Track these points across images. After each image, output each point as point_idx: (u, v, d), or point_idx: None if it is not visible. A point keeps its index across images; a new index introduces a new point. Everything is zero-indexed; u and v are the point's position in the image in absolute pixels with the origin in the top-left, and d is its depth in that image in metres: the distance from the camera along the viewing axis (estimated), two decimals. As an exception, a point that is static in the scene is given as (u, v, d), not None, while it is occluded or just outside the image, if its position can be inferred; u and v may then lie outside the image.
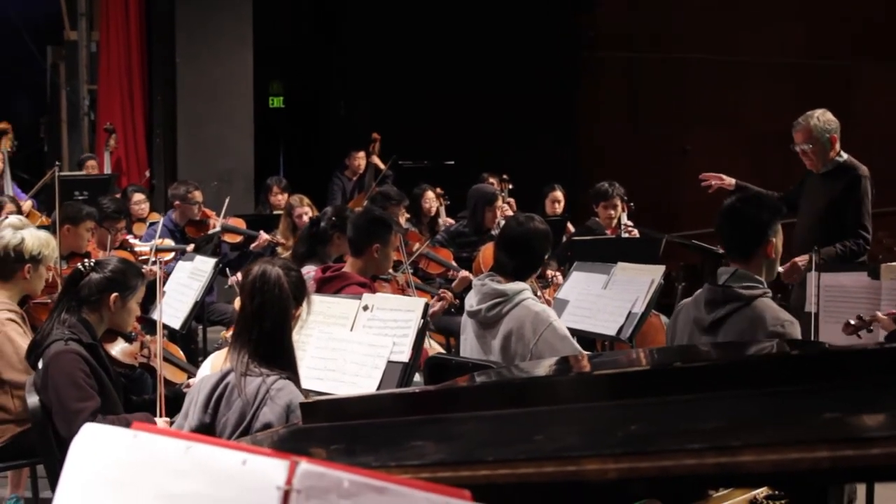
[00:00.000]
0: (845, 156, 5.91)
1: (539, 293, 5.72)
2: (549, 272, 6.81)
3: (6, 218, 5.55)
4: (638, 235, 7.77)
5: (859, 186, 5.82)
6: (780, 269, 4.32)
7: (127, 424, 3.61)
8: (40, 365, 3.96)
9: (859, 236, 5.78)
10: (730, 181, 6.17)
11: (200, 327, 6.64)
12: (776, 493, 2.62)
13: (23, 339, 4.51)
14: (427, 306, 4.00)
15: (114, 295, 4.07)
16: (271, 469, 1.32)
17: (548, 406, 2.13)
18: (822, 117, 5.86)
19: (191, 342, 6.86)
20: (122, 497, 1.43)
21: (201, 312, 6.23)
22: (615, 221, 7.83)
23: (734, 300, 3.77)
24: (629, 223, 7.86)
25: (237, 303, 3.47)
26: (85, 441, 1.51)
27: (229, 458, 1.36)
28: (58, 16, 12.01)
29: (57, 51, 12.39)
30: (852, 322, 4.24)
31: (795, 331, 3.74)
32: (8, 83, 12.40)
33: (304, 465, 1.30)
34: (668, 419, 1.87)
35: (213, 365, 3.57)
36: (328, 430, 2.42)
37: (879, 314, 4.24)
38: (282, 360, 3.26)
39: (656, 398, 2.00)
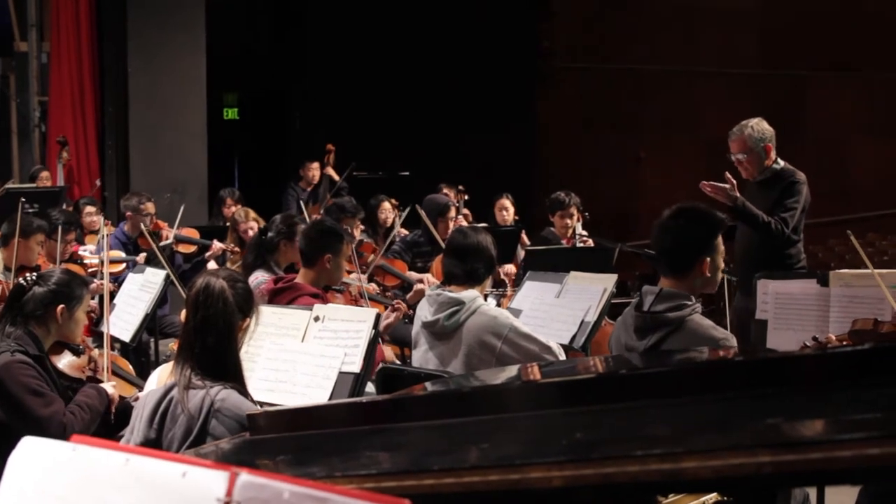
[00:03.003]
0: (782, 163, 5.98)
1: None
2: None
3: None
4: (593, 245, 7.80)
5: (793, 189, 5.87)
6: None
7: (87, 409, 3.58)
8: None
9: (781, 221, 5.78)
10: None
11: (152, 340, 6.58)
12: (725, 499, 2.63)
13: (-31, 355, 4.45)
14: (378, 317, 3.99)
15: (60, 307, 4.04)
16: (211, 481, 1.30)
17: (495, 415, 2.13)
18: (757, 127, 5.93)
19: (142, 355, 6.80)
20: (60, 511, 1.41)
21: (153, 325, 6.17)
22: (571, 231, 7.87)
23: (663, 326, 3.62)
24: (584, 233, 7.89)
25: (183, 314, 3.43)
26: (23, 455, 1.49)
27: (169, 471, 1.35)
28: (7, 26, 11.87)
29: (6, 62, 12.24)
30: (808, 344, 4.19)
31: (732, 345, 3.61)
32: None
33: (245, 477, 1.29)
34: (612, 426, 1.87)
35: (160, 378, 3.53)
36: (275, 441, 2.40)
37: (833, 337, 4.18)
38: (227, 374, 3.20)
39: (601, 406, 2.00)
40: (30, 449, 1.49)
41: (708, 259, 3.67)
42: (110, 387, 4.11)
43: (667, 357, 3.28)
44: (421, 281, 6.83)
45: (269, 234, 5.93)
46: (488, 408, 2.18)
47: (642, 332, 3.67)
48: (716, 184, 5.78)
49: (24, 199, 6.62)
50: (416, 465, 1.81)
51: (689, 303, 3.63)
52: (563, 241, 7.82)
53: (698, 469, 1.53)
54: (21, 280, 4.12)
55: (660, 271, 3.79)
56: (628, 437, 1.78)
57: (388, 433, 2.18)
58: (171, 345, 5.71)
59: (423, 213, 7.98)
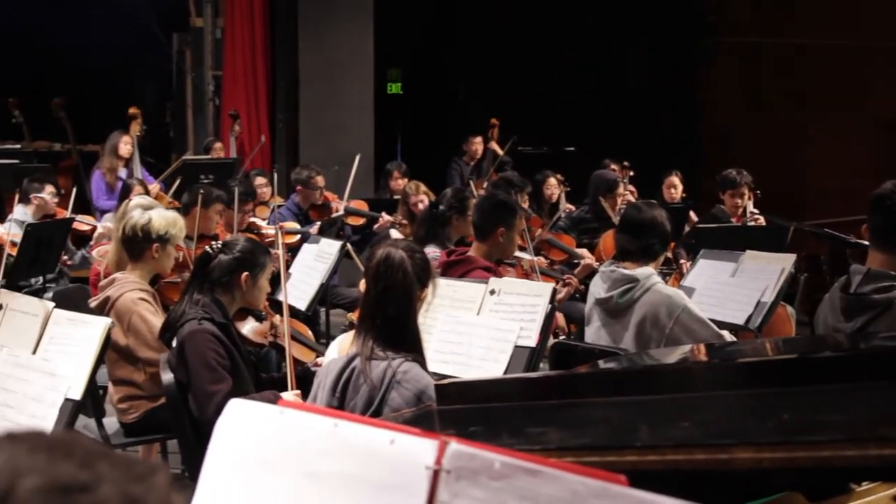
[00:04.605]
0: None
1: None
2: (682, 262, 6.72)
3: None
4: (764, 223, 7.60)
5: None
6: None
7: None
8: (174, 343, 4.04)
9: None
10: None
11: (323, 310, 6.71)
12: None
13: (155, 318, 4.60)
14: (555, 291, 3.97)
15: (244, 274, 4.11)
16: (420, 449, 1.30)
17: (685, 393, 2.08)
18: None
19: (314, 324, 6.94)
20: (269, 475, 1.43)
21: (324, 295, 6.29)
22: (741, 210, 7.69)
23: (869, 308, 3.43)
24: (755, 211, 7.70)
25: (362, 285, 3.47)
26: (231, 418, 1.52)
27: (377, 437, 1.35)
28: (184, 3, 12.25)
29: (183, 37, 12.62)
30: None
31: None
32: (135, 69, 12.68)
33: (454, 446, 1.28)
34: (819, 409, 1.80)
35: (340, 348, 3.59)
36: (461, 412, 2.39)
37: None
38: (407, 344, 3.24)
39: (799, 388, 1.94)
40: (237, 412, 1.52)
41: None
42: (292, 395, 4.07)
43: (869, 339, 3.15)
44: (582, 257, 6.78)
45: (441, 208, 5.96)
46: (679, 386, 2.14)
47: (849, 315, 3.51)
48: None
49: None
50: (618, 441, 1.79)
51: None
52: (733, 220, 7.65)
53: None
54: (207, 248, 4.22)
55: (871, 248, 3.60)
56: (840, 420, 1.71)
57: (576, 408, 2.16)
58: (350, 315, 5.81)
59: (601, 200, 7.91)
